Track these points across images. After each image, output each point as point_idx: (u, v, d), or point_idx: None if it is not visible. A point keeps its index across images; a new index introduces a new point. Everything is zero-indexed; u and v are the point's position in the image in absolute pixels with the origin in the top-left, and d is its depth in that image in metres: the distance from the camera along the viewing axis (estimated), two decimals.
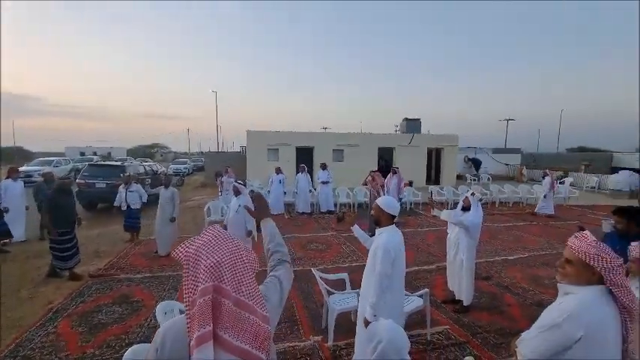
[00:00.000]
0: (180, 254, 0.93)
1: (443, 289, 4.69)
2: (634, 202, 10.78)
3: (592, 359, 1.35)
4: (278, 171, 10.03)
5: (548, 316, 1.49)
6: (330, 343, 3.29)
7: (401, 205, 10.56)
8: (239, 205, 5.01)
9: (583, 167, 18.49)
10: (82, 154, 38.15)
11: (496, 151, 23.80)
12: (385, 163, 16.43)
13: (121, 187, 7.01)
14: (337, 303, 3.41)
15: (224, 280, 0.90)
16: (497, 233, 7.99)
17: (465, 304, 4.10)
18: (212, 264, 0.90)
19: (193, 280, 0.90)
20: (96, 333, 3.50)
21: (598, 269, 1.40)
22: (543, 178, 10.69)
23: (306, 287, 4.67)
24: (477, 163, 20.90)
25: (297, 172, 10.60)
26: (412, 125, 18.06)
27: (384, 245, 2.43)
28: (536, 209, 10.21)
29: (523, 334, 1.61)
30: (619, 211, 2.88)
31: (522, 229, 8.57)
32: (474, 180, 17.73)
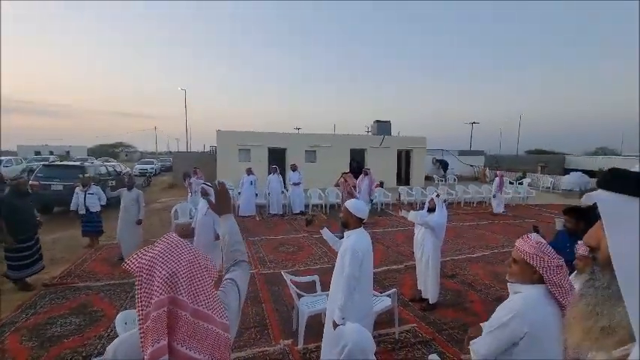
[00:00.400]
0: (132, 265, 0.88)
1: (411, 288, 4.83)
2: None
3: (536, 355, 1.44)
4: (249, 172, 9.88)
5: (497, 315, 1.57)
6: (300, 346, 3.29)
7: (372, 205, 10.79)
8: (207, 208, 4.88)
9: (540, 169, 19.75)
10: (37, 153, 35.57)
11: (462, 153, 24.87)
12: (357, 164, 16.65)
13: (77, 189, 6.55)
14: (307, 305, 3.41)
15: (180, 291, 0.87)
16: (462, 232, 8.34)
17: (430, 302, 4.25)
18: (167, 275, 0.86)
19: (147, 293, 0.86)
20: (49, 347, 3.26)
21: (537, 269, 1.51)
22: (494, 178, 11.40)
23: (277, 290, 4.63)
24: (444, 165, 21.73)
25: (269, 173, 10.50)
26: (383, 127, 18.45)
27: (352, 247, 2.46)
28: (494, 209, 10.81)
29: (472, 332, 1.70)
30: (569, 211, 3.10)
31: (485, 227, 9.01)
32: (442, 181, 18.40)
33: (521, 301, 1.54)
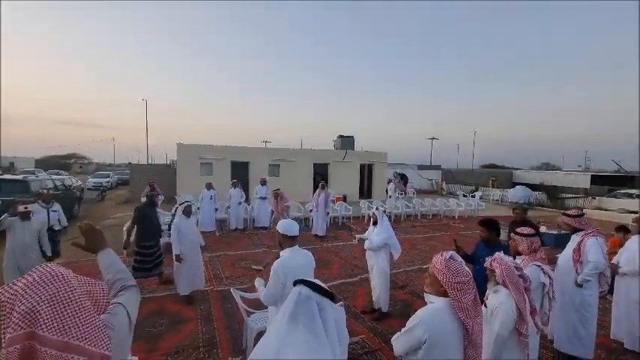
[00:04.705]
0: (2, 297, 0.86)
1: (364, 300, 5.02)
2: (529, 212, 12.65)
3: (438, 357, 1.65)
4: (209, 186, 9.75)
5: (410, 320, 1.78)
6: None
7: (332, 219, 10.99)
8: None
9: (491, 182, 21.22)
10: None
11: (421, 167, 26.14)
12: (320, 177, 16.94)
13: (36, 205, 5.50)
14: (256, 322, 3.46)
15: (41, 325, 0.85)
16: (417, 244, 8.76)
17: (383, 310, 4.47)
18: (25, 310, 0.84)
19: (6, 327, 0.84)
20: None
21: (442, 283, 1.73)
22: (388, 183, 12.71)
23: (230, 308, 4.61)
24: (405, 179, 22.67)
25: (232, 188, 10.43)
26: (346, 142, 19.01)
27: (273, 267, 2.48)
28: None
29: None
30: (482, 223, 3.48)
31: (438, 239, 9.52)
32: (401, 194, 19.16)
33: (428, 310, 1.76)
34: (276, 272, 2.43)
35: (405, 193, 19.45)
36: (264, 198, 10.21)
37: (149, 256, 5.29)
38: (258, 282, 2.79)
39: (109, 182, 23.28)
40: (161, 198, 9.11)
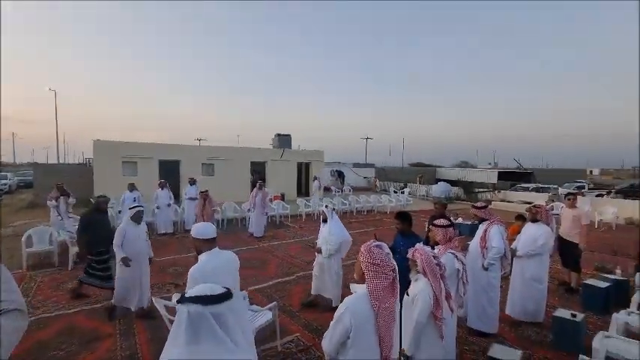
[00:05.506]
0: None
1: (299, 298, 5.05)
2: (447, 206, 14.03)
3: (362, 348, 1.73)
4: (131, 187, 8.90)
5: (336, 311, 1.84)
6: None
7: (270, 218, 10.89)
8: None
9: (418, 179, 23.03)
10: None
11: (356, 165, 27.30)
12: (258, 176, 16.63)
13: None
14: None
15: None
16: (353, 239, 9.09)
17: (333, 305, 4.52)
18: None
19: None
20: None
21: (362, 267, 1.84)
22: (314, 181, 14.11)
23: (154, 320, 4.25)
24: (342, 177, 23.44)
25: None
26: (283, 140, 18.93)
27: (190, 273, 2.33)
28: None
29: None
30: (397, 216, 3.80)
31: (372, 234, 10.01)
32: (338, 192, 19.76)
33: (351, 298, 1.85)
34: (193, 278, 2.27)
35: (342, 191, 20.10)
36: (194, 199, 9.62)
37: (103, 262, 4.81)
38: (176, 297, 2.63)
39: (5, 185, 19.90)
40: (72, 201, 8.04)
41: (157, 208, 9.16)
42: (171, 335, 1.25)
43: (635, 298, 4.09)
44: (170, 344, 1.25)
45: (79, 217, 8.08)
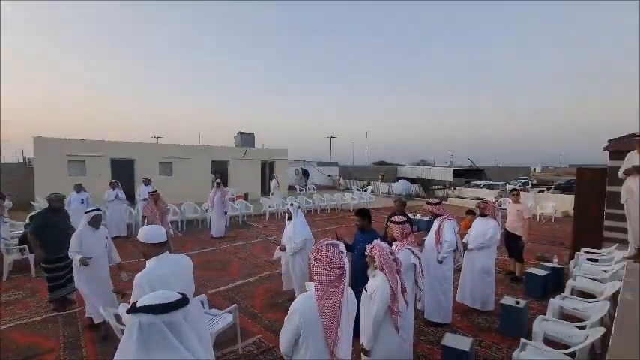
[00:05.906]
0: None
1: (262, 299, 5.00)
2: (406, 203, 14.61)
3: (312, 342, 1.76)
4: (78, 189, 8.23)
5: (289, 310, 1.86)
6: None
7: (232, 218, 10.64)
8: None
9: (380, 177, 23.67)
10: None
11: (320, 164, 27.44)
12: (219, 176, 16.15)
13: None
14: None
15: None
16: (317, 237, 9.14)
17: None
18: None
19: None
20: None
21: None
22: (271, 180, 14.12)
23: (104, 330, 4.00)
24: (307, 175, 23.45)
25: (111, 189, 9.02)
26: (246, 139, 18.54)
27: (136, 280, 2.15)
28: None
29: None
30: (357, 213, 3.93)
31: (333, 232, 10.14)
32: (302, 190, 19.77)
33: (302, 297, 1.88)
34: (140, 285, 2.09)
35: (306, 189, 20.14)
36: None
37: (61, 269, 4.49)
38: (123, 307, 2.43)
39: None
40: (8, 204, 7.28)
41: (107, 208, 8.59)
42: (121, 346, 1.19)
43: (568, 284, 4.53)
44: (119, 355, 1.19)
45: (22, 223, 7.39)
